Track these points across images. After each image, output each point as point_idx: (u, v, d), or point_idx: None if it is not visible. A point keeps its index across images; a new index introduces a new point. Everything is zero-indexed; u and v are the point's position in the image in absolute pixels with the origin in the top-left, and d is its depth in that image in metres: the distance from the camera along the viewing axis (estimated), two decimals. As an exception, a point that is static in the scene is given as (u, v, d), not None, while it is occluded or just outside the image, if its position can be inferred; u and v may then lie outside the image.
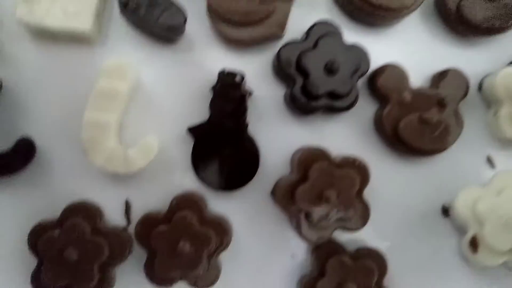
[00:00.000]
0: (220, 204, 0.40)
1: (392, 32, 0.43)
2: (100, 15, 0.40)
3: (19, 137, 0.37)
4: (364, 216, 0.39)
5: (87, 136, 0.36)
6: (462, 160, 0.43)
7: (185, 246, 0.37)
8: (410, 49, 0.43)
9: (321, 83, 0.39)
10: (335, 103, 0.40)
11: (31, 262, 0.36)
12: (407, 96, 0.41)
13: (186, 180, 0.40)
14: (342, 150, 0.40)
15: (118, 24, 0.40)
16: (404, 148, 0.41)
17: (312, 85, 0.38)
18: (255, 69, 0.41)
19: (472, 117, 0.43)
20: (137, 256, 0.39)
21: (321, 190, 0.38)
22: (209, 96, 0.40)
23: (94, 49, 0.40)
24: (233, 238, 0.39)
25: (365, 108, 0.42)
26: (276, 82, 0.42)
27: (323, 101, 0.39)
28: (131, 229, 0.39)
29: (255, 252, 0.41)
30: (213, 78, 0.40)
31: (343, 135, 0.42)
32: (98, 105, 0.36)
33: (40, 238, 0.36)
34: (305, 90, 0.39)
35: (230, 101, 0.38)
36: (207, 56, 0.41)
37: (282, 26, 0.39)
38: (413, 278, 0.41)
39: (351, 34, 0.42)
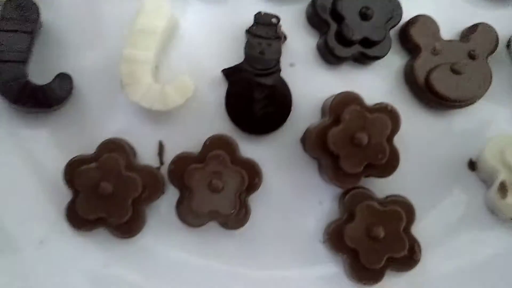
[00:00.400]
0: (251, 148, 0.40)
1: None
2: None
3: (58, 73, 0.38)
4: (393, 163, 0.40)
5: (125, 71, 0.37)
6: (490, 113, 0.43)
7: (218, 184, 0.38)
8: (442, 2, 0.44)
9: (356, 28, 0.39)
10: (368, 51, 0.40)
11: (66, 195, 0.37)
12: (439, 46, 0.41)
13: (219, 123, 0.40)
14: (372, 99, 0.41)
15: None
16: (434, 99, 0.41)
17: (347, 29, 0.39)
18: (289, 18, 0.41)
19: (500, 71, 0.43)
20: (167, 198, 0.39)
21: (353, 133, 0.38)
22: (244, 40, 0.41)
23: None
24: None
25: (396, 58, 0.42)
26: (310, 31, 0.42)
27: (356, 48, 0.40)
28: (163, 170, 0.40)
29: (283, 196, 0.41)
30: (249, 23, 0.41)
31: (374, 85, 0.42)
32: (137, 42, 0.37)
33: (76, 171, 0.36)
34: (339, 37, 0.40)
35: (265, 43, 0.39)
36: (242, 3, 0.41)
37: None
38: (439, 228, 0.42)
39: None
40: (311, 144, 0.39)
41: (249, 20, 0.40)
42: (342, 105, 0.39)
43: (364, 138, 0.38)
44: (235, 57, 0.40)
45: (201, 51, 0.41)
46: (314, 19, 0.41)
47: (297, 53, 0.42)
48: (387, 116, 0.39)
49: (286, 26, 0.41)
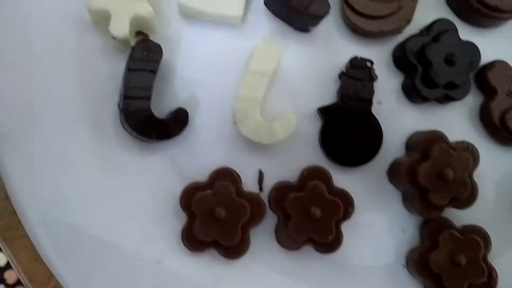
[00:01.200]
0: (342, 179, 0.44)
1: (497, 32, 0.48)
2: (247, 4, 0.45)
3: (176, 107, 0.42)
4: (472, 196, 0.43)
5: (239, 108, 0.41)
6: None
7: (317, 212, 0.41)
8: (515, 49, 0.48)
9: (442, 73, 0.43)
10: (451, 93, 0.44)
11: (181, 218, 0.41)
12: (514, 89, 0.45)
13: (314, 155, 0.44)
14: (451, 135, 0.45)
15: (260, 11, 0.46)
16: (509, 137, 0.45)
17: (434, 74, 0.43)
18: (377, 57, 0.46)
19: None
20: (266, 222, 0.43)
21: (440, 168, 0.42)
22: (336, 81, 0.45)
23: (239, 30, 0.45)
24: (352, 210, 0.44)
25: (472, 99, 0.46)
26: (396, 70, 0.46)
27: (440, 90, 0.44)
28: (263, 197, 0.43)
29: (370, 223, 0.45)
30: (341, 64, 0.45)
31: (452, 122, 0.46)
32: (250, 83, 0.41)
33: (193, 197, 0.40)
34: (424, 79, 0.44)
35: (359, 85, 0.43)
36: (336, 44, 0.46)
37: (408, 20, 0.44)
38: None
39: (461, 32, 0.46)
40: (400, 177, 0.43)
41: (342, 59, 0.45)
42: (430, 143, 0.43)
43: (450, 173, 0.42)
44: (329, 94, 0.45)
45: (299, 88, 0.45)
46: (402, 62, 0.45)
47: (383, 92, 0.46)
48: (469, 154, 0.43)
49: (375, 64, 0.45)
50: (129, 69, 0.40)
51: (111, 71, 0.43)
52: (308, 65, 0.46)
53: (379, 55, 0.46)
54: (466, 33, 0.47)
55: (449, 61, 0.43)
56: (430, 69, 0.43)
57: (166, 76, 0.44)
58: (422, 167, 0.42)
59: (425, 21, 0.46)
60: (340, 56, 0.45)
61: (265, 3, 0.44)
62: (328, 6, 0.41)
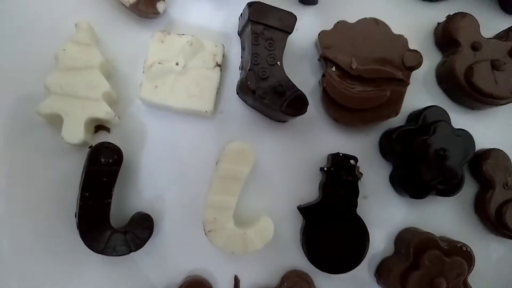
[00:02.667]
0: (325, 284, 0.41)
1: (492, 115, 0.44)
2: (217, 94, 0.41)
3: (139, 212, 0.38)
4: (466, 300, 0.40)
5: (209, 218, 0.37)
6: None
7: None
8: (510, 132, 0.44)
9: (433, 170, 0.39)
10: (443, 188, 0.40)
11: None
12: (511, 182, 0.42)
13: (295, 256, 0.41)
14: (444, 230, 0.41)
15: (231, 100, 0.42)
16: (507, 232, 0.41)
17: (424, 172, 0.39)
18: (362, 147, 0.42)
19: None
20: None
21: (432, 277, 0.38)
22: (318, 174, 0.41)
23: (210, 122, 0.41)
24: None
25: (466, 189, 0.43)
26: (382, 161, 0.42)
27: (431, 186, 0.40)
28: (238, 304, 0.40)
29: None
30: (323, 157, 0.41)
31: (445, 215, 0.43)
32: (221, 188, 0.37)
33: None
34: (414, 174, 0.40)
35: (343, 185, 0.39)
36: (317, 135, 0.42)
37: (396, 110, 0.40)
38: None
39: (454, 117, 0.42)
40: (390, 284, 0.39)
41: (324, 152, 0.41)
42: (421, 248, 0.39)
43: (442, 283, 0.38)
44: (310, 190, 0.41)
45: (276, 184, 0.41)
46: (388, 151, 0.41)
47: (369, 184, 0.42)
48: (463, 258, 0.39)
49: (359, 155, 0.41)
50: (86, 178, 0.36)
51: (67, 171, 0.39)
52: (286, 157, 0.42)
53: (364, 144, 0.42)
54: (459, 117, 0.43)
55: (441, 156, 0.39)
56: (420, 165, 0.39)
57: (128, 173, 0.40)
58: (413, 277, 0.38)
59: (416, 104, 0.43)
60: (321, 146, 0.42)
61: (237, 93, 0.40)
62: (305, 104, 0.38)
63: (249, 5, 0.38)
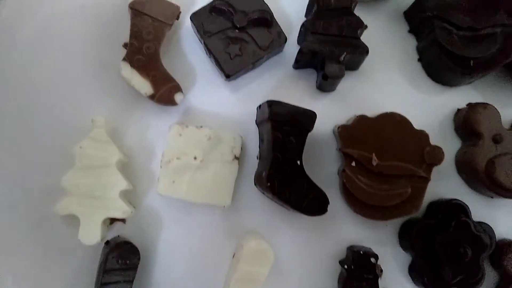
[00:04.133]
0: None
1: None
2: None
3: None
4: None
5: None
6: None
7: None
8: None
9: (454, 269, 0.38)
10: (463, 284, 0.40)
11: None
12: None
13: None
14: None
15: (249, 189, 0.41)
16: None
17: (445, 271, 0.38)
18: (381, 238, 0.42)
19: None
20: None
21: None
22: (337, 266, 0.40)
23: (227, 211, 0.41)
24: None
25: (487, 280, 0.42)
26: (401, 252, 0.42)
27: (452, 284, 0.39)
28: None
29: None
30: (342, 248, 0.41)
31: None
32: (239, 288, 0.37)
33: None
34: (435, 269, 0.39)
35: (363, 282, 0.39)
36: (335, 225, 0.41)
37: (416, 206, 0.39)
38: None
39: (474, 205, 0.42)
40: None
41: (343, 243, 0.41)
42: None
43: None
44: (329, 283, 0.40)
45: (294, 279, 0.40)
46: (407, 242, 0.41)
47: (389, 276, 0.41)
48: None
49: (377, 244, 0.41)
50: (101, 284, 0.36)
51: (82, 265, 0.39)
52: (304, 248, 0.41)
53: (383, 234, 0.42)
54: (479, 206, 0.42)
55: (462, 255, 0.39)
56: (440, 263, 0.39)
57: (143, 265, 0.39)
58: None
59: (435, 192, 0.42)
60: (341, 237, 0.41)
61: (255, 184, 0.40)
62: (325, 205, 0.37)
63: (269, 104, 0.37)
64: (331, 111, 0.43)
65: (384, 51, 0.44)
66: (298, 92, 0.43)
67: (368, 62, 0.43)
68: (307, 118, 0.38)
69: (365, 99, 0.44)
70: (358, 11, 0.43)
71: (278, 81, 0.43)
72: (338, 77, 0.39)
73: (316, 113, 0.41)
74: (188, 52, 0.43)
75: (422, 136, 0.40)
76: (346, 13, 0.40)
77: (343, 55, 0.39)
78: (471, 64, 0.41)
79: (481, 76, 0.42)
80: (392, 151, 0.39)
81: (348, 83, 0.44)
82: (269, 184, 0.36)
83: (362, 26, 0.40)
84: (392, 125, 0.40)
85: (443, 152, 0.39)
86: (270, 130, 0.37)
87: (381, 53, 0.44)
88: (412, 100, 0.44)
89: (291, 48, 0.44)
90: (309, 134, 0.41)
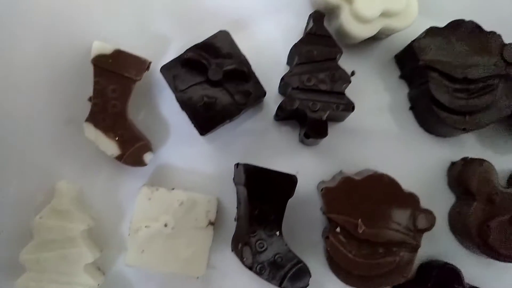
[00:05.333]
0: None
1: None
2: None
3: None
4: None
5: None
6: None
7: None
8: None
9: None
10: None
11: None
12: None
13: None
14: None
15: (225, 254, 0.38)
16: None
17: None
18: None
19: None
20: None
21: None
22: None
23: (201, 279, 0.38)
24: None
25: None
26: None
27: None
28: None
29: None
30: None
31: None
32: None
33: None
34: None
35: None
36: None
37: (405, 275, 0.36)
38: None
39: (467, 269, 0.39)
40: None
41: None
42: None
43: None
44: None
45: None
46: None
47: None
48: None
49: None
50: None
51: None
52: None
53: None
54: (473, 269, 0.39)
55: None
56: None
57: None
58: None
59: (427, 251, 0.39)
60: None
61: (232, 250, 0.37)
62: (307, 278, 0.34)
63: (245, 170, 0.34)
64: (315, 165, 0.40)
65: (373, 98, 0.41)
66: (279, 145, 0.40)
67: (356, 111, 0.40)
68: (287, 183, 0.35)
69: (353, 151, 0.40)
70: (346, 53, 0.40)
71: (258, 133, 0.40)
72: (321, 137, 0.36)
73: (300, 168, 0.39)
74: (160, 103, 0.40)
75: (412, 200, 0.37)
76: (330, 66, 0.37)
77: (326, 114, 0.36)
78: (466, 119, 0.38)
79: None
80: (380, 216, 0.36)
81: (334, 134, 0.40)
82: (244, 259, 0.34)
83: (347, 80, 0.36)
84: (380, 188, 0.36)
85: (434, 217, 0.36)
86: (246, 199, 0.34)
87: (370, 100, 0.41)
88: (403, 152, 0.41)
89: (273, 96, 0.41)
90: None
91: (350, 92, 0.39)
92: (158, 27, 0.40)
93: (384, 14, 0.36)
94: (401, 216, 0.37)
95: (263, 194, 0.34)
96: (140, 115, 0.39)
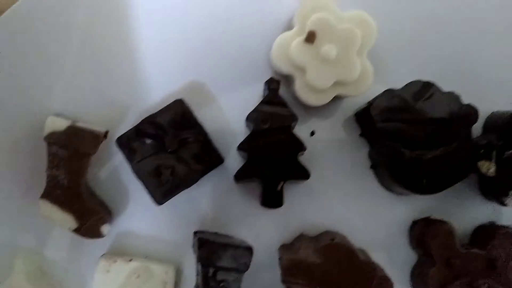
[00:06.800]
0: None
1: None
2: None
3: None
4: None
5: None
6: None
7: None
8: None
9: None
10: None
11: None
12: None
13: None
14: None
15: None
16: None
17: None
18: None
19: None
20: None
21: None
22: None
23: None
24: None
25: None
26: None
27: None
28: None
29: None
30: None
31: None
32: None
33: None
34: None
35: None
36: None
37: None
38: None
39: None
40: None
41: None
42: None
43: None
44: None
45: None
46: None
47: None
48: None
49: None
50: None
51: None
52: None
53: None
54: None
55: None
56: None
57: None
58: None
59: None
60: None
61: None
62: None
63: (199, 244, 0.34)
64: (276, 228, 0.40)
65: (335, 157, 0.41)
66: (240, 207, 0.40)
67: (317, 171, 0.40)
68: (243, 255, 0.35)
69: (314, 212, 0.40)
70: (307, 113, 0.40)
71: (218, 195, 0.40)
72: (275, 207, 0.36)
73: (261, 231, 0.39)
74: (119, 171, 0.40)
75: (370, 268, 0.37)
76: (285, 134, 0.37)
77: (280, 185, 0.36)
78: (424, 183, 0.38)
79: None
80: (337, 285, 0.36)
81: (295, 194, 0.40)
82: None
83: (301, 149, 0.36)
84: (337, 256, 0.37)
85: (391, 284, 0.37)
86: (200, 271, 0.34)
87: (331, 159, 0.41)
88: (365, 212, 0.41)
89: (233, 159, 0.40)
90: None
91: (311, 152, 0.40)
92: (117, 94, 0.40)
93: (338, 83, 0.36)
94: (359, 284, 0.37)
95: (218, 270, 0.34)
96: (99, 182, 0.39)
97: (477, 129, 0.41)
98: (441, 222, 0.39)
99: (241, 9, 0.40)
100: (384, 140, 0.37)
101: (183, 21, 0.40)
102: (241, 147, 0.37)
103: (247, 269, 0.35)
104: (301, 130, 0.41)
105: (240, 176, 0.36)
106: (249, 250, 0.35)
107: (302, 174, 0.37)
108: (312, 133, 0.41)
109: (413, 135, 0.38)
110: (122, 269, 0.36)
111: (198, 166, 0.37)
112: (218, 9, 0.40)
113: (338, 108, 0.42)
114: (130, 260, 0.37)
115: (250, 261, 0.35)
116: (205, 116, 0.40)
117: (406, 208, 0.41)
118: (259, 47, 0.40)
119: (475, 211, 0.42)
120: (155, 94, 0.40)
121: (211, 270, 0.34)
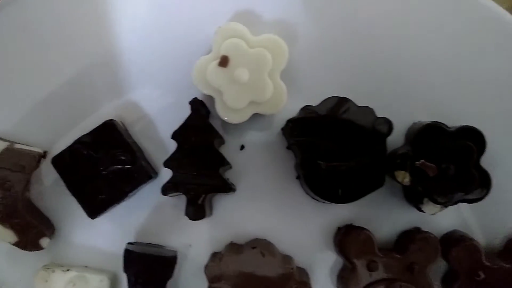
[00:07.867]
0: None
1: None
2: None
3: None
4: None
5: None
6: None
7: None
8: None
9: None
10: None
11: None
12: None
13: None
14: None
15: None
16: None
17: None
18: None
19: None
20: None
21: None
22: None
23: None
24: None
25: None
26: None
27: None
28: None
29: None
30: None
31: None
32: None
33: None
34: None
35: None
36: None
37: None
38: None
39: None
40: None
41: None
42: None
43: None
44: None
45: None
46: None
47: None
48: None
49: None
50: None
51: None
52: None
53: None
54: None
55: None
56: None
57: None
58: None
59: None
60: None
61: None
62: None
63: (126, 255, 0.37)
64: (209, 237, 0.43)
65: (264, 169, 0.43)
66: (174, 218, 0.43)
67: (248, 182, 0.43)
68: (166, 265, 0.38)
69: (244, 221, 0.43)
70: (236, 128, 0.42)
71: (153, 207, 0.43)
72: (197, 219, 0.39)
73: (194, 240, 0.41)
74: (61, 185, 0.42)
75: (288, 277, 0.39)
76: (208, 150, 0.39)
77: (201, 198, 0.38)
78: (339, 193, 0.40)
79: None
80: (260, 290, 0.39)
81: (227, 204, 0.43)
82: None
83: (223, 164, 0.39)
84: (259, 261, 0.39)
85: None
86: (127, 284, 0.37)
87: (260, 171, 0.43)
88: (292, 220, 0.43)
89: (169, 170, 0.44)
90: (186, 263, 0.42)
91: (242, 164, 0.42)
92: (56, 111, 0.43)
93: (253, 103, 0.38)
94: (278, 289, 0.39)
95: (142, 279, 0.37)
96: (41, 196, 0.42)
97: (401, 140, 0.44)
98: (361, 229, 0.41)
99: (171, 32, 0.43)
100: (301, 153, 0.40)
101: (114, 41, 0.43)
102: (166, 164, 0.39)
103: (170, 277, 0.38)
104: (231, 145, 0.44)
105: (166, 190, 0.39)
106: (173, 259, 0.38)
107: (224, 187, 0.39)
108: (242, 147, 0.44)
109: (329, 148, 0.40)
110: (60, 278, 0.39)
111: (127, 184, 0.40)
112: (152, 30, 0.43)
113: (267, 122, 0.45)
114: (67, 270, 0.40)
115: (173, 270, 0.38)
116: (141, 133, 0.43)
117: (332, 215, 0.43)
118: (187, 69, 0.43)
119: (401, 217, 0.44)
120: (91, 114, 0.43)
121: (136, 279, 0.37)
